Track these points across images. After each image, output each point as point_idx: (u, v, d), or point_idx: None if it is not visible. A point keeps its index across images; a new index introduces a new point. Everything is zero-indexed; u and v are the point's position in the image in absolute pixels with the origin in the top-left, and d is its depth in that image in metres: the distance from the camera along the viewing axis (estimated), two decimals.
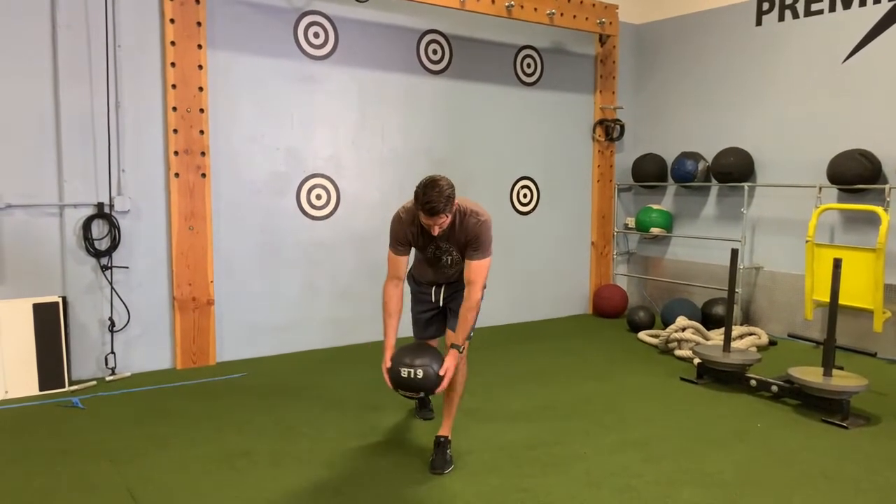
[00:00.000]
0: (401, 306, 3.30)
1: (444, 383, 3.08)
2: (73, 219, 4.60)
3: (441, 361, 3.09)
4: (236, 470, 3.29)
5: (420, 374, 3.02)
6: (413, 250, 3.39)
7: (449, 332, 3.44)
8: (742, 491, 3.12)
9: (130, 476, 3.20)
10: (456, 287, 3.41)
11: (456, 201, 3.08)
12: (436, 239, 3.19)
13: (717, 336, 5.55)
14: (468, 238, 3.16)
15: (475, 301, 3.16)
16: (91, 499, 2.99)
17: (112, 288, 4.72)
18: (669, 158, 6.87)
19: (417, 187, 3.01)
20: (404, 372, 3.04)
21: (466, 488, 3.12)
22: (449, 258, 3.29)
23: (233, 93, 5.08)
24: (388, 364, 3.13)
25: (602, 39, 6.88)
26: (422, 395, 3.11)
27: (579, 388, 4.63)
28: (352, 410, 4.13)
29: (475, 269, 3.16)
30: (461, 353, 3.18)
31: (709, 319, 6.11)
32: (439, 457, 3.32)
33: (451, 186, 3.01)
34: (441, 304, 3.49)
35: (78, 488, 3.08)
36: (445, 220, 3.04)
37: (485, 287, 3.24)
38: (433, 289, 3.47)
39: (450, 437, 3.39)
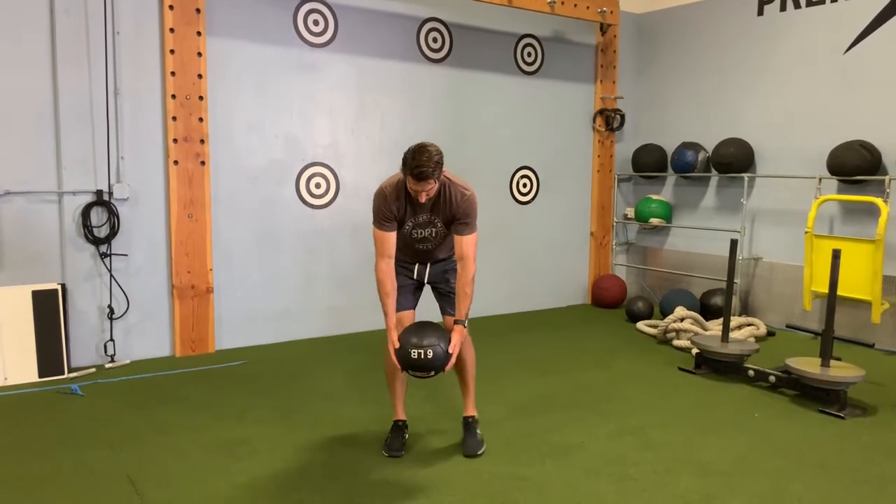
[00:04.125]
0: (395, 284, 3.24)
1: (453, 361, 3.09)
2: (72, 206, 4.60)
3: (448, 339, 3.09)
4: (235, 456, 3.30)
5: (430, 353, 3.01)
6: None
7: (447, 318, 3.40)
8: (739, 480, 3.13)
9: (129, 462, 3.22)
10: (443, 267, 3.38)
11: (444, 171, 3.08)
12: (421, 211, 3.16)
13: (715, 326, 5.56)
14: (455, 213, 3.17)
15: (471, 275, 3.18)
16: (90, 484, 3.00)
17: (111, 275, 4.72)
18: (669, 149, 6.86)
19: (406, 153, 3.00)
20: (414, 353, 3.01)
21: (464, 476, 3.13)
22: (433, 230, 3.24)
23: (232, 80, 5.06)
24: (396, 345, 3.09)
25: (603, 29, 6.85)
26: (432, 374, 3.08)
27: (578, 377, 4.64)
28: (350, 398, 4.14)
29: (467, 244, 3.17)
30: (465, 327, 3.19)
31: (707, 310, 6.12)
32: (470, 438, 3.36)
33: (440, 153, 3.00)
34: (425, 280, 3.42)
35: (77, 474, 3.09)
36: (433, 186, 3.03)
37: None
38: (416, 266, 3.40)
39: (476, 416, 3.44)
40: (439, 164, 2.98)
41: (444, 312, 3.43)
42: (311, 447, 3.42)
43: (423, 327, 3.13)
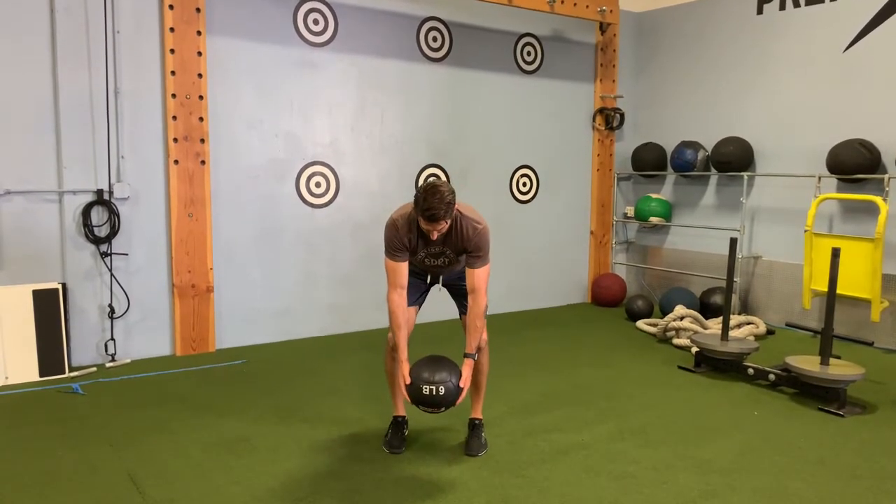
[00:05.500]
0: (407, 316, 3.23)
1: (463, 395, 3.07)
2: (72, 205, 4.60)
3: (458, 373, 3.06)
4: (236, 455, 3.31)
5: (441, 390, 2.97)
6: None
7: (464, 317, 3.37)
8: (738, 477, 3.14)
9: (130, 460, 3.22)
10: (458, 273, 3.37)
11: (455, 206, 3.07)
12: (433, 244, 3.15)
13: (715, 325, 5.56)
14: (467, 246, 3.13)
15: (482, 308, 3.16)
16: (91, 482, 3.01)
17: (112, 274, 4.72)
18: (669, 147, 6.86)
19: (417, 193, 2.98)
20: (426, 389, 2.98)
21: (464, 473, 3.14)
22: (445, 259, 3.25)
23: (232, 80, 5.07)
24: (408, 380, 3.06)
25: (602, 27, 6.86)
26: (443, 409, 3.06)
27: (578, 375, 4.65)
28: (351, 396, 4.15)
29: (479, 277, 3.14)
30: (475, 359, 3.16)
31: (707, 308, 6.12)
32: (474, 440, 3.38)
33: (452, 192, 2.98)
34: (439, 284, 3.41)
35: (78, 472, 3.10)
36: (445, 225, 3.01)
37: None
38: (429, 276, 3.41)
39: (482, 419, 3.46)
40: (451, 204, 2.95)
41: (461, 312, 3.41)
42: (313, 445, 3.43)
43: (435, 362, 3.09)
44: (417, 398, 3.03)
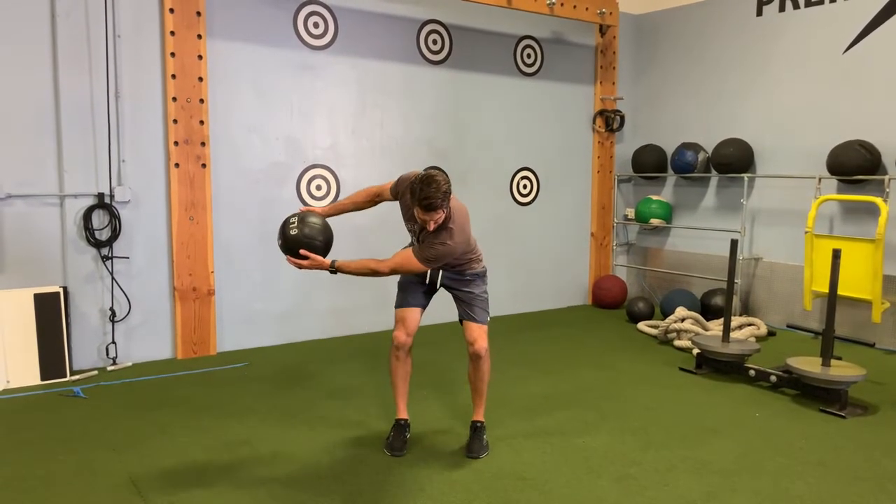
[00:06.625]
0: (361, 205, 3.52)
1: (295, 262, 3.11)
2: (73, 209, 4.61)
3: (317, 251, 3.13)
4: (237, 457, 3.31)
5: (292, 232, 3.09)
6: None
7: (465, 322, 3.39)
8: (740, 479, 3.14)
9: (132, 463, 3.23)
10: (460, 276, 3.36)
11: (452, 198, 3.07)
12: (416, 223, 3.16)
13: (716, 326, 5.56)
14: (432, 239, 3.12)
15: (373, 267, 3.20)
16: (93, 485, 3.01)
17: (113, 278, 4.73)
18: (669, 149, 6.87)
19: (413, 183, 3.00)
20: (291, 219, 3.14)
21: (466, 476, 3.14)
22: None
23: (233, 83, 5.08)
24: (309, 207, 3.29)
25: (602, 30, 6.87)
26: (279, 243, 3.15)
27: (579, 377, 4.65)
28: (352, 399, 4.15)
29: (400, 255, 3.19)
30: (332, 270, 3.18)
31: (708, 310, 6.12)
32: (476, 442, 3.40)
33: (448, 182, 3.00)
34: (437, 282, 3.40)
35: (80, 475, 3.10)
36: (441, 215, 3.03)
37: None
38: (428, 270, 3.38)
39: (484, 421, 3.48)
40: (447, 193, 2.98)
41: (461, 318, 3.40)
42: (314, 448, 3.43)
43: (324, 228, 3.21)
44: (285, 219, 3.17)
